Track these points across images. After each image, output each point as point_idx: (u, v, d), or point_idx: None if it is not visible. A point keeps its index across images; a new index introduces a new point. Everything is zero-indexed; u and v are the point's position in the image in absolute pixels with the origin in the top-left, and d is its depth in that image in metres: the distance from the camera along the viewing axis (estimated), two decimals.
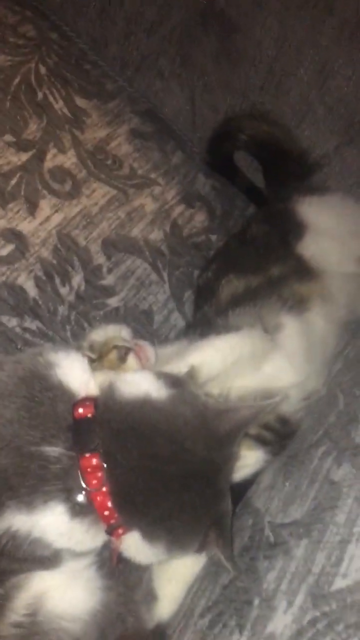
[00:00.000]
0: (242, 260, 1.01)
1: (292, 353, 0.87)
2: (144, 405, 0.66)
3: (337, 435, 0.69)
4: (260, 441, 0.82)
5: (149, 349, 0.83)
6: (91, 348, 0.82)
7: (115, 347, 0.80)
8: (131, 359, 0.80)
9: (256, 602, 0.56)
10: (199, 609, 0.67)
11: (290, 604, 0.51)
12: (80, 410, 0.64)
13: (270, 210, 1.12)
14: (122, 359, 0.79)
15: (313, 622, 0.47)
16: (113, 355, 0.80)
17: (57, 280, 0.98)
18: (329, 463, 0.65)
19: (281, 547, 0.60)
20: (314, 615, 0.47)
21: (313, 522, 0.59)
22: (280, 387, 0.84)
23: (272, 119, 1.12)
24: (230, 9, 1.11)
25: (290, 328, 0.88)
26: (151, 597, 0.76)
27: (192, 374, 0.79)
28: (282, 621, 0.51)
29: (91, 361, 0.78)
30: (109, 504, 0.62)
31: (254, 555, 0.64)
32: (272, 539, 0.63)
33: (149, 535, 0.64)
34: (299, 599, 0.51)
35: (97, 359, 0.80)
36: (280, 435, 0.84)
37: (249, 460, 0.82)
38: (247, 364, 0.84)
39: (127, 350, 0.80)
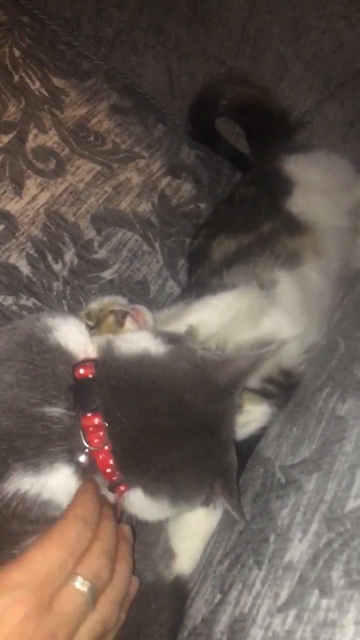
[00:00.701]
0: (232, 221, 1.01)
1: (289, 306, 0.87)
2: (142, 361, 0.66)
3: (340, 375, 0.69)
4: (265, 395, 0.83)
5: (146, 312, 0.83)
6: (88, 316, 0.82)
7: (112, 311, 0.80)
8: (129, 322, 0.80)
9: (272, 538, 0.56)
10: (217, 557, 0.67)
11: (305, 532, 0.52)
12: (82, 371, 0.64)
13: (256, 172, 1.11)
14: (120, 322, 0.80)
15: (328, 543, 0.47)
16: (110, 319, 0.80)
17: (50, 257, 0.98)
18: (334, 401, 0.65)
19: (293, 485, 0.60)
20: (329, 537, 0.48)
21: (322, 457, 0.59)
22: (280, 339, 0.85)
23: (250, 81, 1.12)
24: None
25: (285, 282, 0.88)
26: (169, 554, 0.76)
27: (190, 332, 0.80)
28: (298, 549, 0.51)
29: (89, 329, 0.78)
30: (111, 462, 0.61)
31: (267, 498, 0.64)
32: (283, 480, 0.63)
33: (152, 490, 0.64)
34: (314, 527, 0.51)
35: (95, 325, 0.81)
36: (283, 387, 0.84)
37: (256, 414, 0.82)
38: (244, 320, 0.84)
39: (124, 314, 0.80)
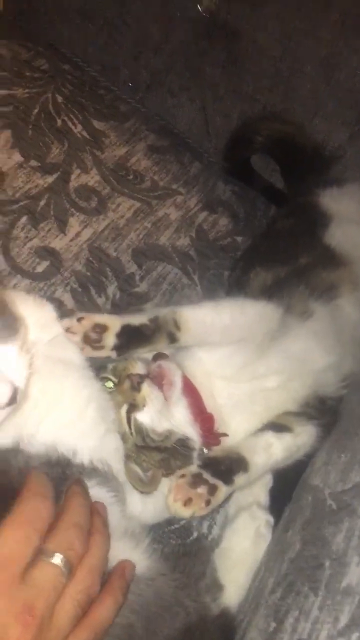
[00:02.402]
0: (269, 253, 1.02)
1: (322, 336, 0.87)
2: None
3: None
4: (308, 416, 0.83)
5: (172, 372, 0.79)
6: (114, 371, 0.80)
7: (129, 376, 0.76)
8: (145, 388, 0.76)
9: (327, 563, 0.56)
10: (268, 587, 0.67)
11: None
12: None
13: (293, 205, 1.13)
14: (135, 388, 0.75)
15: None
16: (126, 385, 0.76)
17: (93, 291, 1.00)
18: None
19: (345, 510, 0.60)
20: None
21: None
22: (312, 369, 0.85)
23: (284, 118, 1.15)
24: (232, 18, 1.15)
25: (320, 313, 0.89)
26: (216, 586, 0.76)
27: (177, 322, 0.79)
28: (356, 574, 0.51)
29: (113, 385, 0.78)
30: None
31: (319, 525, 0.64)
32: (334, 506, 0.63)
33: None
34: None
35: (116, 385, 0.78)
36: (322, 411, 0.84)
37: (304, 436, 0.82)
38: (253, 338, 0.83)
39: (142, 378, 0.76)
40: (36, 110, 1.17)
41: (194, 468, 0.74)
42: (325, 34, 1.07)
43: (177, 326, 0.79)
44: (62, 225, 1.04)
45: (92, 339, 0.75)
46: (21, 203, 1.04)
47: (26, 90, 1.19)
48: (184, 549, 0.83)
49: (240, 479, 0.75)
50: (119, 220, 1.10)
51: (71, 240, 1.04)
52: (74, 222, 1.06)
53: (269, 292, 0.91)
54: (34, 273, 0.98)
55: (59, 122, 1.18)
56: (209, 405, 0.80)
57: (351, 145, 1.15)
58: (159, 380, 0.78)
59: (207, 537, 0.85)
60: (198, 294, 1.08)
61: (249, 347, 0.83)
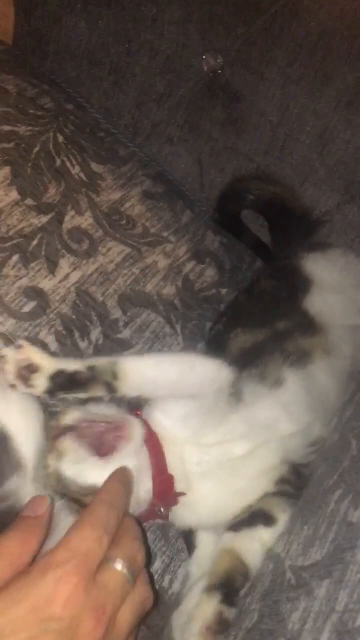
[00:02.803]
0: (250, 314, 1.05)
1: (291, 404, 0.89)
2: None
3: (353, 479, 0.71)
4: (285, 496, 0.85)
5: (132, 426, 0.79)
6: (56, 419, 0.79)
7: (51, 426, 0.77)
8: (66, 442, 0.75)
9: None
10: None
11: None
12: None
13: (277, 265, 1.17)
14: (52, 442, 0.76)
15: None
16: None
17: (77, 335, 1.02)
18: (346, 506, 0.68)
19: (304, 588, 0.62)
20: None
21: (334, 563, 0.61)
22: (278, 436, 0.87)
23: (276, 180, 1.19)
24: (235, 80, 1.20)
25: (291, 382, 0.90)
26: None
27: (116, 373, 0.80)
28: None
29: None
30: None
31: (277, 598, 0.66)
32: (293, 581, 0.65)
33: None
34: (325, 637, 0.53)
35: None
36: (299, 487, 0.86)
37: (282, 521, 0.84)
38: (202, 397, 0.85)
39: (64, 431, 0.76)
40: (37, 149, 1.19)
41: (214, 606, 0.74)
42: (322, 107, 1.12)
43: (116, 377, 0.80)
44: (52, 267, 1.06)
45: (23, 377, 0.77)
46: (14, 241, 1.06)
47: (29, 128, 1.22)
48: None
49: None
50: (108, 264, 1.12)
51: (60, 282, 1.06)
52: (64, 264, 1.08)
53: (246, 357, 0.93)
54: (20, 313, 1.00)
55: (59, 162, 1.20)
56: (174, 467, 0.81)
57: (338, 212, 1.19)
58: (115, 432, 0.78)
59: (167, 592, 0.87)
60: (179, 344, 1.11)
61: (203, 407, 0.84)
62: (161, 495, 0.80)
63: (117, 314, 1.08)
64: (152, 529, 0.93)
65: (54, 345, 1.00)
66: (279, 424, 0.87)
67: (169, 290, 1.16)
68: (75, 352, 1.00)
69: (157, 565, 0.91)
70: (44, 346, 0.98)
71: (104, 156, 1.27)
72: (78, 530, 0.58)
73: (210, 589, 0.76)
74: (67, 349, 1.00)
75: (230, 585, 0.76)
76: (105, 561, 0.58)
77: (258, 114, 1.19)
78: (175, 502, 0.81)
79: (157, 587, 0.87)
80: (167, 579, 0.88)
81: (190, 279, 1.19)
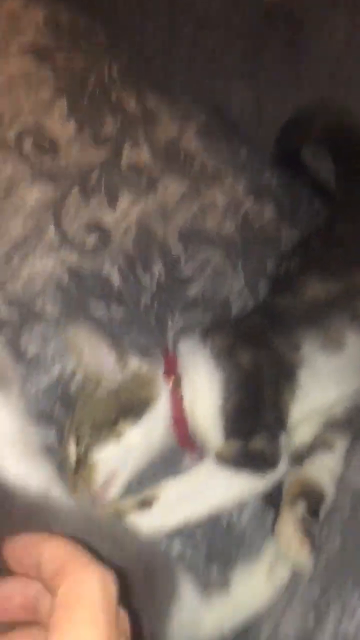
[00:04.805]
0: (326, 261, 0.98)
1: (346, 369, 0.85)
2: None
3: None
4: (337, 429, 0.83)
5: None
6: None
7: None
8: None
9: None
10: (303, 582, 0.68)
11: None
12: None
13: (354, 208, 1.10)
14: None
15: None
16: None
17: (139, 270, 1.00)
18: None
19: None
20: None
21: None
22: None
23: (347, 110, 1.13)
24: (299, 9, 1.13)
25: (352, 345, 0.86)
26: None
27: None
28: None
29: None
30: None
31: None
32: None
33: None
34: None
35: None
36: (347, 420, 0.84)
37: (340, 446, 0.82)
38: None
39: None
40: (92, 81, 1.16)
41: (299, 512, 0.75)
42: None
43: None
44: (113, 201, 1.04)
45: None
46: (74, 175, 1.03)
47: (82, 61, 1.18)
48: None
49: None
50: (167, 200, 1.09)
51: (120, 216, 1.04)
52: (124, 199, 1.05)
53: (316, 311, 0.88)
54: (83, 247, 0.98)
55: (114, 95, 1.17)
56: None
57: None
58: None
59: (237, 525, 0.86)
60: (240, 282, 1.08)
61: None
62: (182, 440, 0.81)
63: (177, 250, 1.06)
64: None
65: (117, 281, 0.98)
66: (328, 390, 0.84)
67: (228, 228, 1.12)
68: (137, 287, 0.99)
69: None
70: (107, 280, 0.97)
71: (159, 90, 1.23)
72: None
73: (293, 501, 0.76)
74: (130, 284, 0.99)
75: (310, 494, 0.76)
76: None
77: (322, 43, 1.13)
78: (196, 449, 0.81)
79: (226, 522, 0.86)
80: (234, 513, 0.87)
81: (249, 217, 1.16)
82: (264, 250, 1.13)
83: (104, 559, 0.34)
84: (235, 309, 1.05)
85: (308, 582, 0.67)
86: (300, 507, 0.75)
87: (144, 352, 0.88)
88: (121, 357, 0.81)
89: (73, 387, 0.87)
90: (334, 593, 0.60)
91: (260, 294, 1.08)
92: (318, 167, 1.25)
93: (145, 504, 0.74)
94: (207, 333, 0.86)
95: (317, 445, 0.83)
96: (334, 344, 0.85)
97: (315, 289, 0.93)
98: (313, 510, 0.75)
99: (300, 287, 0.93)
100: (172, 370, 0.82)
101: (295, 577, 0.71)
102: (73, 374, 0.88)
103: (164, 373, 0.82)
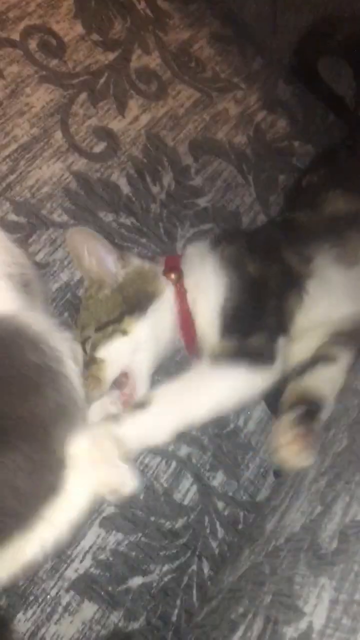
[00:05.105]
0: (354, 177, 0.94)
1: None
2: None
3: None
4: (341, 341, 0.83)
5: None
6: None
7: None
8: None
9: None
10: (309, 477, 0.69)
11: None
12: None
13: None
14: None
15: None
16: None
17: (149, 179, 0.98)
18: None
19: None
20: None
21: None
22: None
23: None
24: None
25: None
26: None
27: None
28: None
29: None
30: None
31: None
32: None
33: None
34: None
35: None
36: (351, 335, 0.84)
37: (343, 359, 0.82)
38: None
39: None
40: None
41: (296, 414, 0.75)
42: None
43: None
44: (121, 107, 1.01)
45: None
46: (81, 78, 1.00)
47: None
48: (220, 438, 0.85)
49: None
50: (178, 108, 1.06)
51: (129, 123, 1.00)
52: (133, 105, 1.02)
53: (334, 225, 0.86)
54: (91, 153, 0.95)
55: None
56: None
57: None
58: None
59: (242, 431, 0.88)
60: (251, 195, 1.06)
61: None
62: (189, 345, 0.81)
63: (188, 160, 1.03)
64: None
65: (126, 188, 0.96)
66: (340, 303, 0.83)
67: (240, 139, 1.09)
68: (147, 196, 0.97)
69: None
70: (116, 188, 0.95)
71: None
72: None
73: (291, 407, 0.76)
74: (139, 192, 0.97)
75: (309, 402, 0.76)
76: None
77: None
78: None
79: (233, 425, 0.88)
80: (242, 418, 0.89)
81: (261, 129, 1.12)
82: (276, 164, 1.11)
83: None
84: (245, 221, 1.04)
85: (314, 477, 0.68)
86: (298, 411, 0.75)
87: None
88: (121, 256, 0.80)
89: (81, 293, 0.87)
90: (341, 485, 0.61)
91: (271, 207, 1.06)
92: (335, 80, 1.20)
93: (139, 405, 0.72)
94: (219, 239, 0.85)
95: (319, 357, 0.83)
96: (350, 259, 0.84)
97: (337, 203, 0.90)
98: (312, 415, 0.75)
99: (321, 202, 0.91)
100: (174, 268, 0.81)
101: (299, 472, 0.73)
102: (82, 280, 0.87)
103: (166, 271, 0.80)
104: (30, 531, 0.61)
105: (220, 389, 0.74)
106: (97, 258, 0.79)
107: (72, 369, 0.66)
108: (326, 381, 0.80)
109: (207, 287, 0.79)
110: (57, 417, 0.63)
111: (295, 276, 0.83)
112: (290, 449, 0.73)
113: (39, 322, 0.66)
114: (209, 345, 0.78)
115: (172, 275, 0.79)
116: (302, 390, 0.80)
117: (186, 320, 0.79)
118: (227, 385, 0.74)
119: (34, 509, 0.60)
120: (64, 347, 0.66)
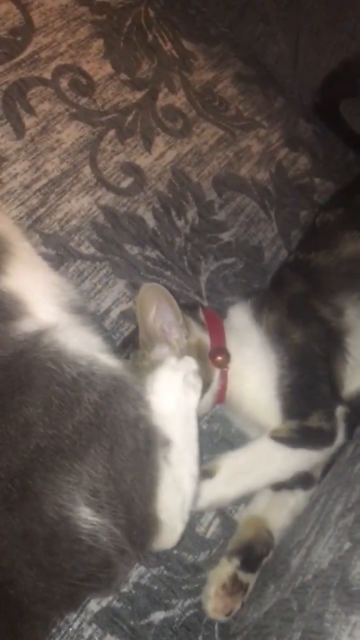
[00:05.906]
0: None
1: None
2: None
3: None
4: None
5: None
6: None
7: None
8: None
9: None
10: (336, 512, 0.69)
11: None
12: None
13: None
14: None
15: None
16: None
17: (174, 213, 1.00)
18: None
19: None
20: None
21: None
22: None
23: None
24: None
25: None
26: None
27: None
28: None
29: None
30: None
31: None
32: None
33: None
34: None
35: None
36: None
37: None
38: None
39: None
40: (129, 23, 1.14)
41: (230, 569, 0.76)
42: None
43: None
44: (148, 144, 1.03)
45: None
46: (110, 116, 1.03)
47: (119, 1, 1.16)
48: None
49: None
50: (202, 145, 1.08)
51: (155, 159, 1.03)
52: (159, 142, 1.05)
53: (354, 273, 0.87)
54: (118, 188, 0.98)
55: (150, 37, 1.15)
56: None
57: None
58: None
59: None
60: (274, 230, 1.08)
61: None
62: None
63: (212, 195, 1.05)
64: None
65: (151, 222, 0.98)
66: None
67: (262, 176, 1.12)
68: (172, 230, 0.99)
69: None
70: (142, 221, 0.97)
71: (195, 34, 1.21)
72: None
73: (231, 554, 0.77)
74: (165, 225, 0.98)
75: (250, 552, 0.77)
76: None
77: None
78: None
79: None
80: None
81: (283, 166, 1.15)
82: (297, 200, 1.13)
83: None
84: (267, 255, 1.05)
85: (341, 512, 0.68)
86: (235, 563, 0.76)
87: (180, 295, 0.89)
88: (185, 324, 0.79)
89: (107, 324, 0.88)
90: None
91: (292, 242, 1.08)
92: (355, 119, 1.23)
93: (207, 474, 0.74)
94: (261, 304, 0.85)
95: (300, 479, 0.81)
96: None
97: (356, 245, 0.90)
98: (250, 566, 0.76)
99: (338, 243, 0.91)
100: (220, 350, 0.81)
101: (325, 507, 0.72)
102: (108, 311, 0.88)
103: (212, 354, 0.80)
104: None
105: (282, 467, 0.78)
106: (163, 320, 0.77)
107: None
108: (287, 515, 0.81)
109: (259, 369, 0.80)
110: None
111: (334, 333, 0.83)
112: (215, 603, 0.75)
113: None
114: (267, 422, 0.79)
115: (219, 358, 0.80)
116: (256, 529, 0.80)
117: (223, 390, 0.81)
118: (290, 463, 0.78)
119: None
120: None
